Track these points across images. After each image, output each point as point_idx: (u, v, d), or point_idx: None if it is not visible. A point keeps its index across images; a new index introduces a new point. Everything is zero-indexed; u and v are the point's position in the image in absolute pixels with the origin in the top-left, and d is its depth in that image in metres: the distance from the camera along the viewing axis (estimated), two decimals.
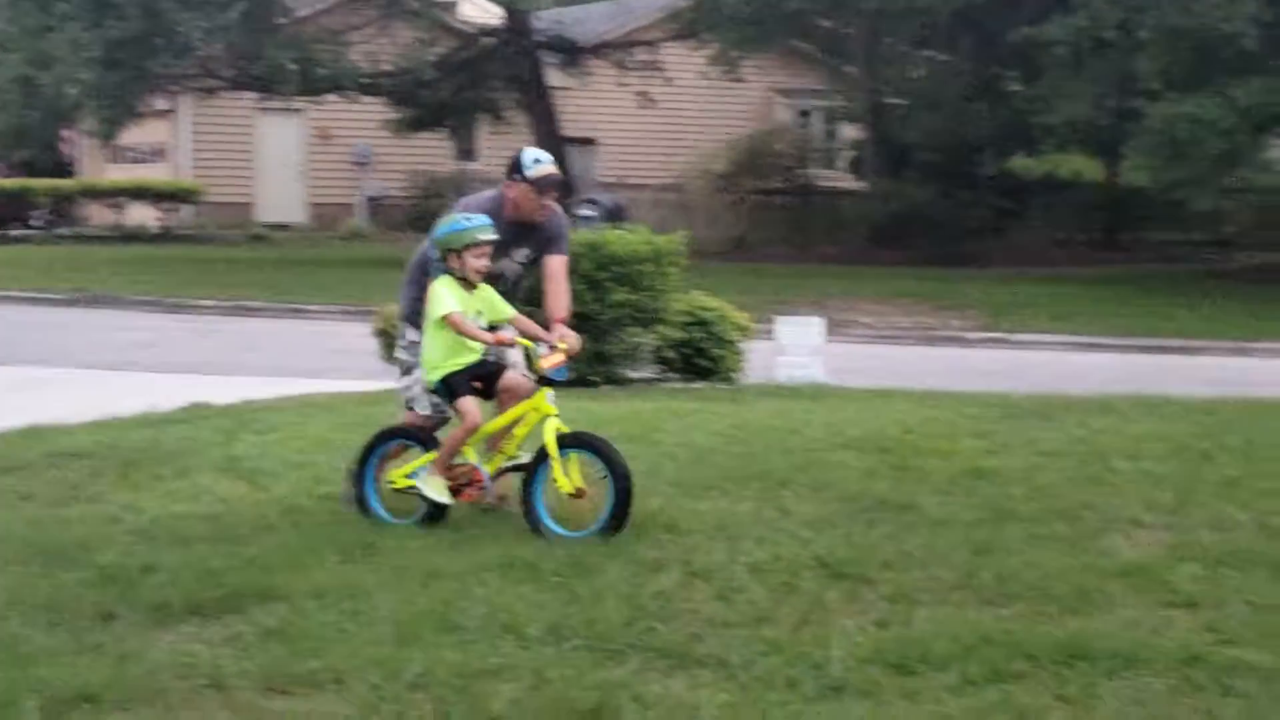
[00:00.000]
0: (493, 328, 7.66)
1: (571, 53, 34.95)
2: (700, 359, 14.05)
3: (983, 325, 23.07)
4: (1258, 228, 35.06)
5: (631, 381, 13.71)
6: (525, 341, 7.70)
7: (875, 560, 6.96)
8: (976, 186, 33.64)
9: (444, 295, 7.59)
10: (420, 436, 7.95)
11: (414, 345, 8.05)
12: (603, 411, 11.01)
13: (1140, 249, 34.62)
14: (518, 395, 7.71)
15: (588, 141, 37.91)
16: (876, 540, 7.30)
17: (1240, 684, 5.44)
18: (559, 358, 7.50)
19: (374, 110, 34.36)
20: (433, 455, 7.70)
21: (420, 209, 33.29)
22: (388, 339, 12.49)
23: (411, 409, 8.20)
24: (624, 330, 13.46)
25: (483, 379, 7.71)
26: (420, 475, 7.67)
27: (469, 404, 7.61)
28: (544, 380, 7.55)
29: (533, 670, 5.51)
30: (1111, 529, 7.62)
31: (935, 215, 31.79)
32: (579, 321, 12.97)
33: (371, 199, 37.69)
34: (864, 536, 7.38)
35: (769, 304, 20.33)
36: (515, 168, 8.01)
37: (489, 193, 8.31)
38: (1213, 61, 24.45)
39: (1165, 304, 25.04)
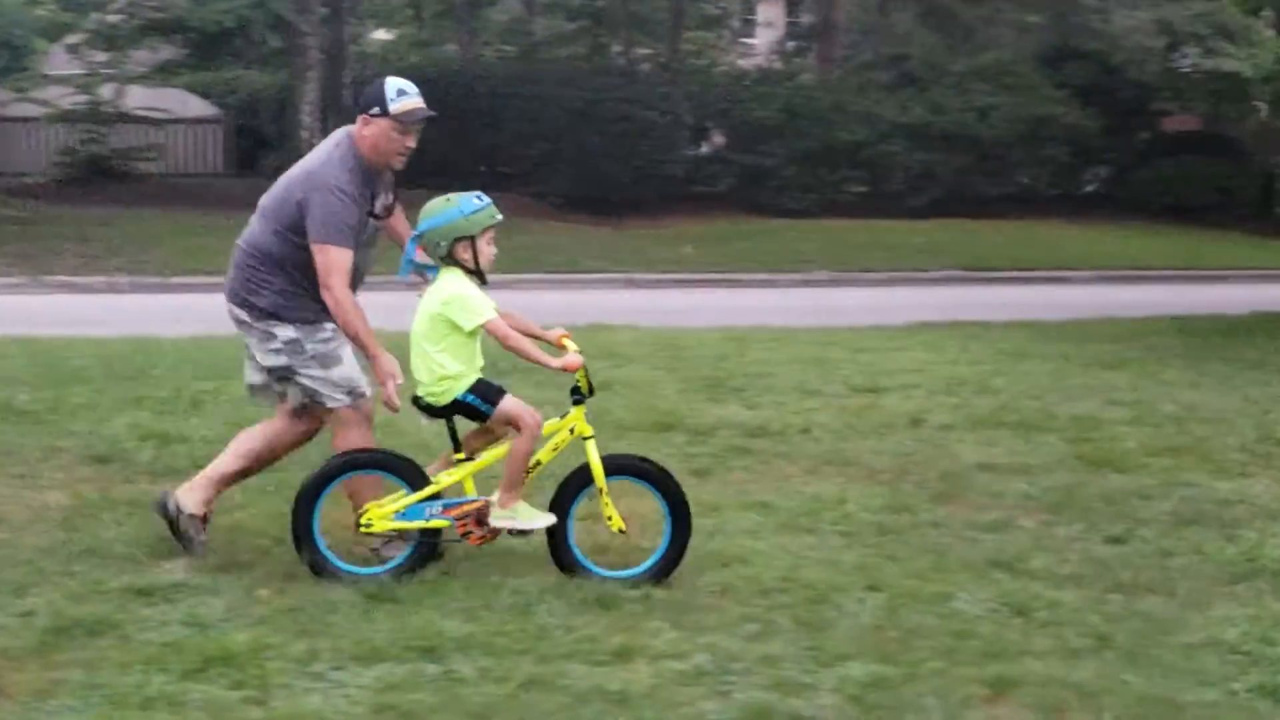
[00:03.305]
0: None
1: None
2: None
3: None
4: None
5: None
6: (579, 365, 6.19)
7: None
8: None
9: (477, 297, 6.14)
10: (401, 469, 6.26)
11: (293, 344, 6.46)
12: None
13: None
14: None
15: None
16: None
17: None
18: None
19: None
20: (428, 492, 6.16)
21: None
22: None
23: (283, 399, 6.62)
24: None
25: None
26: (498, 517, 6.14)
27: (517, 405, 6.15)
28: (579, 395, 6.27)
29: None
30: None
31: None
32: None
33: None
34: None
35: None
36: (374, 100, 6.48)
37: (336, 145, 6.54)
38: None
39: None
